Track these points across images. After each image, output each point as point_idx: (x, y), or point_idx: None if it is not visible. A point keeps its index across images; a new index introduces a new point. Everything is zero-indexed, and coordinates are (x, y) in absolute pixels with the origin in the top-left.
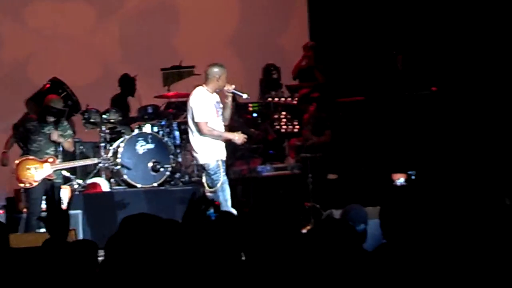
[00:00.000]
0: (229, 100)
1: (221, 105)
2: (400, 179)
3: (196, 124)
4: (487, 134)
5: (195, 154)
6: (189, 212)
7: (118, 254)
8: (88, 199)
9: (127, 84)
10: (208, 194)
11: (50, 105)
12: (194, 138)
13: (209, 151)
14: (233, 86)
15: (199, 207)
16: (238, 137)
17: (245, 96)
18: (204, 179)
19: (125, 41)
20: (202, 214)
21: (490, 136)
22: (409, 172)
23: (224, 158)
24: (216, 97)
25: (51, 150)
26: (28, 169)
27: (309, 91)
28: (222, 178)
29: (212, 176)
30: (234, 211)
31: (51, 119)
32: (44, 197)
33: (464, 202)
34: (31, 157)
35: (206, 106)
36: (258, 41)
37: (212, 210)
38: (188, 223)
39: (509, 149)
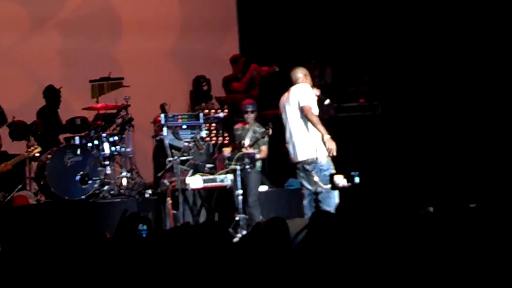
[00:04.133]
0: None
1: None
2: (341, 180)
3: (301, 110)
4: (417, 145)
5: (301, 153)
6: (120, 228)
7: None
8: (14, 212)
9: (52, 95)
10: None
11: None
12: (304, 134)
13: (319, 148)
14: (319, 91)
15: (130, 224)
16: (330, 141)
17: (327, 101)
18: (315, 178)
19: (53, 52)
20: (133, 230)
21: (421, 147)
22: (352, 173)
23: None
24: None
25: None
26: None
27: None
28: None
29: (325, 173)
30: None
31: None
32: None
33: (390, 209)
34: None
35: (312, 96)
36: (188, 53)
37: (144, 227)
38: (118, 239)
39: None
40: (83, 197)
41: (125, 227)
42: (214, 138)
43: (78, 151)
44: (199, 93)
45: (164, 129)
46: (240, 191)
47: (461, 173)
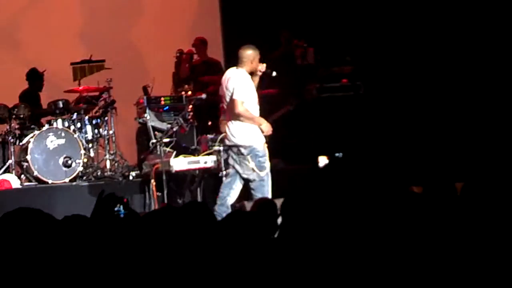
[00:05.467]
0: (257, 81)
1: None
2: (324, 161)
3: (232, 102)
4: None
5: (238, 137)
6: (97, 210)
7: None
8: None
9: (35, 79)
10: (252, 177)
11: None
12: (237, 119)
13: (256, 134)
14: (264, 65)
15: (108, 205)
16: (266, 126)
17: (274, 73)
18: (251, 164)
19: (36, 34)
20: (110, 211)
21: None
22: (336, 154)
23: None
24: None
25: None
26: None
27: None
28: (268, 162)
29: (260, 159)
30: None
31: None
32: None
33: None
34: None
35: (246, 87)
36: (171, 35)
37: (121, 207)
38: (96, 220)
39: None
40: (66, 180)
41: (102, 209)
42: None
43: (61, 134)
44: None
45: (147, 111)
46: (224, 172)
47: (444, 151)
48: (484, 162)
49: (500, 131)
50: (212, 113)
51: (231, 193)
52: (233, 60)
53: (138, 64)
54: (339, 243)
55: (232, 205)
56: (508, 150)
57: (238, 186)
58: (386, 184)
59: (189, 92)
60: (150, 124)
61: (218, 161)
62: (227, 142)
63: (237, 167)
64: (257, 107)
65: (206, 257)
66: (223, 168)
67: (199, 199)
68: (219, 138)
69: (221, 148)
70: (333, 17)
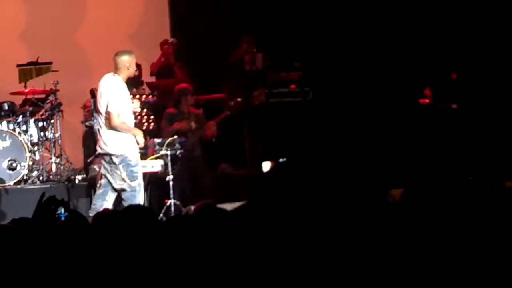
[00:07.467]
0: None
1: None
2: (267, 166)
3: (108, 114)
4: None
5: (110, 145)
6: (38, 213)
7: None
8: None
9: None
10: (124, 187)
11: None
12: (110, 128)
13: (128, 142)
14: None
15: (48, 207)
16: (141, 138)
17: None
18: (122, 174)
19: None
20: (51, 214)
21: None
22: (280, 160)
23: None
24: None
25: None
26: None
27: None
28: (140, 172)
29: (132, 168)
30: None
31: None
32: None
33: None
34: None
35: (121, 98)
36: (118, 37)
37: (62, 210)
38: (36, 223)
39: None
40: (11, 183)
41: (42, 212)
42: (146, 124)
43: (6, 137)
44: (130, 79)
45: (94, 114)
46: (171, 176)
47: (390, 158)
48: (424, 168)
49: (440, 136)
50: (159, 117)
51: (104, 205)
52: (181, 61)
53: (85, 66)
54: (282, 251)
55: (179, 209)
56: (446, 156)
57: (111, 197)
58: (332, 190)
59: (137, 96)
60: (96, 127)
61: (165, 165)
62: (99, 150)
63: (109, 177)
64: (132, 116)
65: (147, 261)
66: (170, 173)
67: (145, 203)
68: (166, 142)
69: (168, 152)
70: (282, 23)
